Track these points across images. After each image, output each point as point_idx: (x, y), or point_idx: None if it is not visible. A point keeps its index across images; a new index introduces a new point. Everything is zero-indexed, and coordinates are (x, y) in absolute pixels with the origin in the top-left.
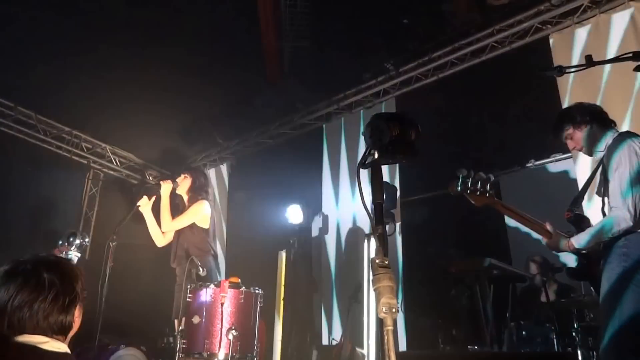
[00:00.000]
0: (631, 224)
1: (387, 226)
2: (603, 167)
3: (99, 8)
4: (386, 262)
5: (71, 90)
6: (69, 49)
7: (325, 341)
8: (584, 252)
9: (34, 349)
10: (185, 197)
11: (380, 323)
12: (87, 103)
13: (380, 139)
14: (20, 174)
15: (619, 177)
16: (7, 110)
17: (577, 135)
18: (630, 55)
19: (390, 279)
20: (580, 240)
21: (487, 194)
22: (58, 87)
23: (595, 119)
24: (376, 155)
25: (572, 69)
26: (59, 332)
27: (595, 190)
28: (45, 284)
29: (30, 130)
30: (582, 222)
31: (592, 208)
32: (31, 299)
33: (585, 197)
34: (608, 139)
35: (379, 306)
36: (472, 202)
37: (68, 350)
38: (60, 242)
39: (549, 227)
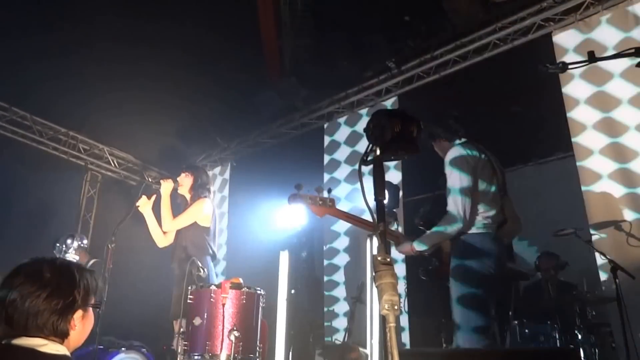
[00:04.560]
0: (461, 225)
1: (389, 225)
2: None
3: (96, 9)
4: (388, 259)
5: (67, 90)
6: (65, 48)
7: (328, 342)
8: (427, 254)
9: (32, 352)
10: (188, 196)
11: (382, 320)
12: (84, 103)
13: (382, 135)
14: (16, 176)
15: (451, 183)
16: (2, 111)
17: (436, 146)
18: (633, 51)
19: (392, 276)
20: (420, 243)
21: (325, 204)
22: (54, 88)
23: (438, 133)
24: (378, 152)
25: (575, 65)
26: (54, 334)
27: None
28: (42, 282)
29: (26, 131)
30: (431, 226)
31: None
32: (25, 294)
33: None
34: (449, 149)
35: (382, 303)
36: (314, 212)
37: (67, 353)
38: (58, 245)
39: (394, 230)
